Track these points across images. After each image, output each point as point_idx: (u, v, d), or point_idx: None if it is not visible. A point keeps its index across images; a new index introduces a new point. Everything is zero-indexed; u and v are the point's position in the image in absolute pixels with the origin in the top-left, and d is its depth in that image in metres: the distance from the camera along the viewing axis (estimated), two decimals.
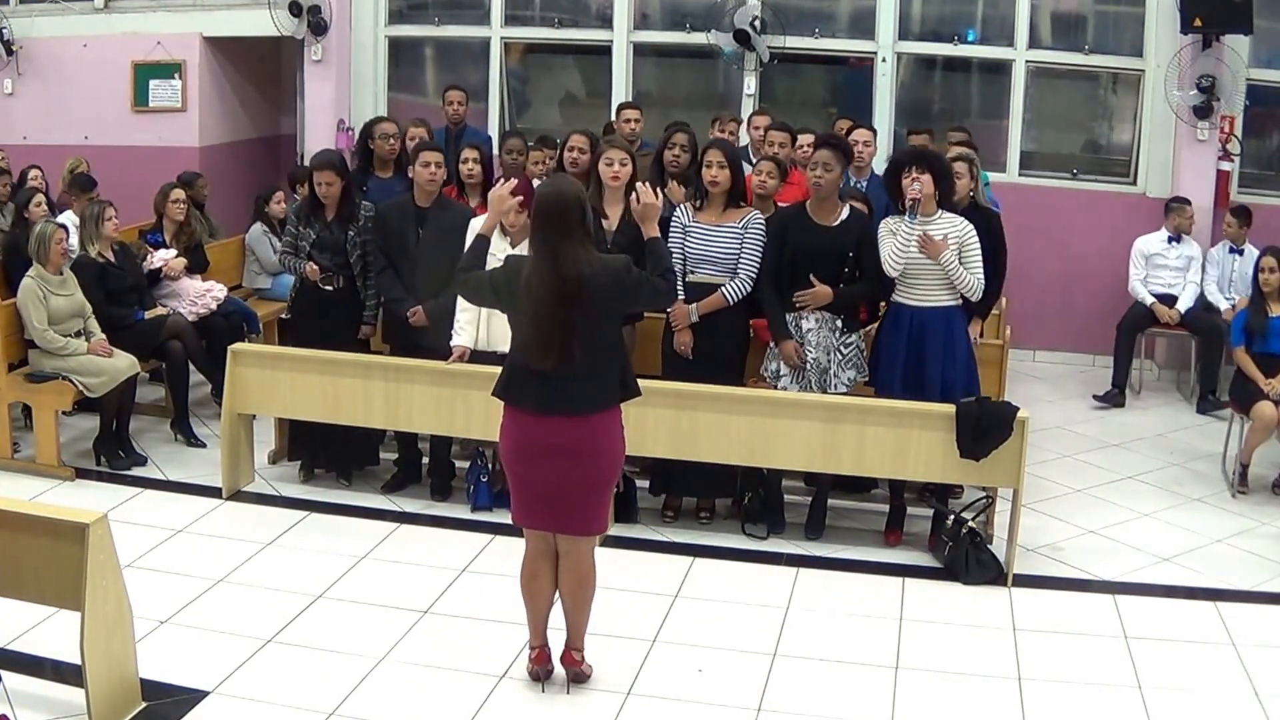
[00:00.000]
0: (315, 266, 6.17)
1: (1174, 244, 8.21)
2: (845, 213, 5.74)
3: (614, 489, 4.28)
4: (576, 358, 4.05)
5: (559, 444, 4.11)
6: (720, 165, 5.74)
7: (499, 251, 5.79)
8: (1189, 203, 8.26)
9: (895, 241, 5.54)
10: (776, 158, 6.39)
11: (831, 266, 5.67)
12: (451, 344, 5.81)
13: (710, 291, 5.74)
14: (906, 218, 5.50)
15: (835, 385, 5.69)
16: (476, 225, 5.86)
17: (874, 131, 7.36)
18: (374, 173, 7.05)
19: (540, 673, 4.43)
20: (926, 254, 5.52)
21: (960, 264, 5.54)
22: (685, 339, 5.77)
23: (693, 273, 5.80)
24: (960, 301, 5.65)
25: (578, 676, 4.46)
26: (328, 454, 6.38)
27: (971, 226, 5.61)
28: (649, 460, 5.98)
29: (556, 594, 4.39)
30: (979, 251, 5.60)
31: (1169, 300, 8.17)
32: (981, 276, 5.62)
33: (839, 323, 5.71)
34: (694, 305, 5.74)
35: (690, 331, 5.76)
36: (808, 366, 5.68)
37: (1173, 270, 8.20)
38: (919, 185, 5.48)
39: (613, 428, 4.21)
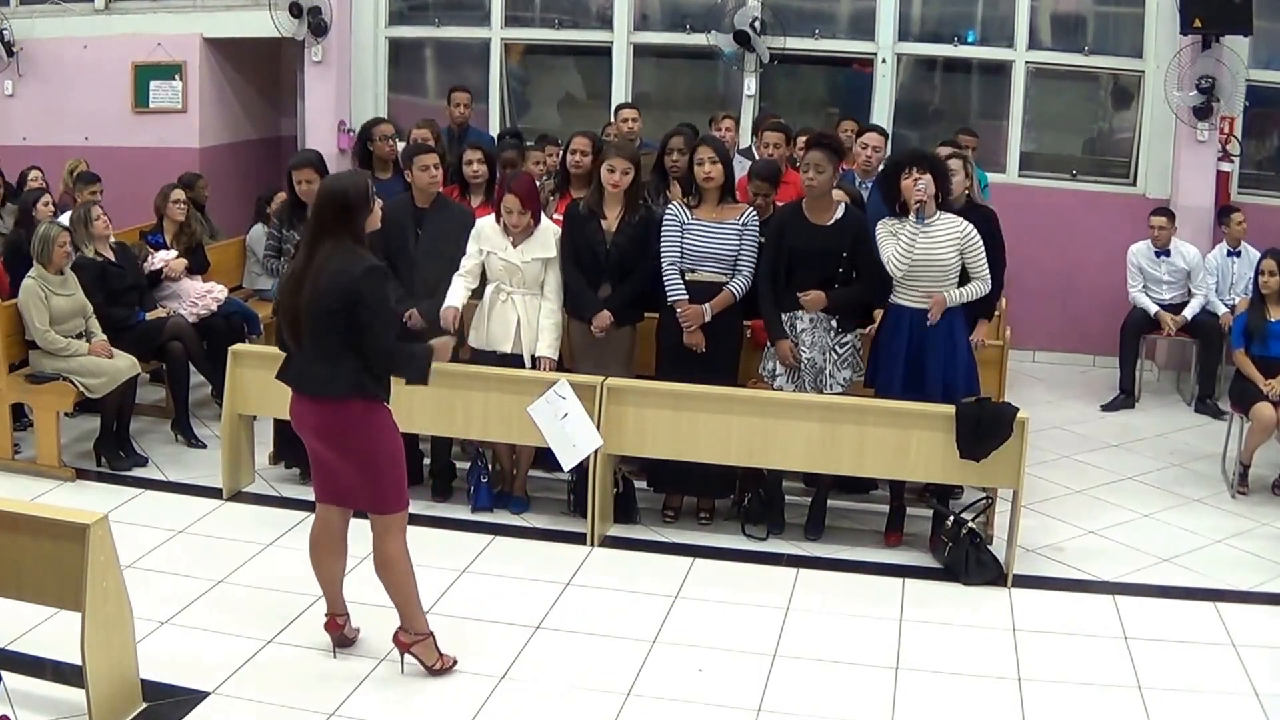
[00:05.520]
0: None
1: (1162, 258, 8.06)
2: (840, 213, 5.72)
3: (389, 478, 4.37)
4: (305, 342, 4.24)
5: (307, 422, 4.35)
6: (712, 161, 5.75)
7: (499, 250, 5.81)
8: (1167, 214, 8.14)
9: (898, 243, 5.52)
10: (772, 160, 6.37)
11: (825, 267, 5.66)
12: (443, 308, 5.79)
13: (712, 290, 5.74)
14: (912, 219, 5.47)
15: (830, 385, 5.68)
16: (479, 225, 5.91)
17: (885, 135, 7.23)
18: (373, 174, 7.04)
19: (336, 639, 4.61)
20: (931, 313, 5.51)
21: (965, 265, 5.55)
22: (698, 338, 5.76)
23: (692, 271, 5.80)
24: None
25: (401, 655, 4.51)
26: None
27: (972, 226, 5.59)
28: (648, 460, 5.99)
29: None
30: (983, 250, 5.58)
31: (1174, 308, 8.04)
32: (988, 276, 5.62)
33: (833, 323, 5.70)
34: (707, 305, 5.73)
35: (700, 331, 5.76)
36: (802, 366, 5.69)
37: (1165, 283, 8.11)
38: (923, 185, 5.45)
39: (350, 416, 4.24)
